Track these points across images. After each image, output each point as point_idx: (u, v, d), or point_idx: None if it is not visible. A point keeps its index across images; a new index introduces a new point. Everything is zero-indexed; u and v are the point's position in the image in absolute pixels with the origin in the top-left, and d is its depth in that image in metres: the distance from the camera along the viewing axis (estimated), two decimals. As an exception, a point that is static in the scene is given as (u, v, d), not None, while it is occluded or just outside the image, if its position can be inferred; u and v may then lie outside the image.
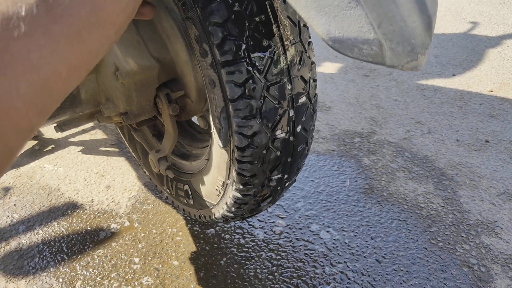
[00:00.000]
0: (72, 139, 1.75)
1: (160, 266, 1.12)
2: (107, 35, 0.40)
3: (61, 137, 1.76)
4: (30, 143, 1.71)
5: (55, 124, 1.00)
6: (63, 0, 0.33)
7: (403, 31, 0.46)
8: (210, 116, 0.72)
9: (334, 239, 1.21)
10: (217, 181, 0.80)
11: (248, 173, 0.68)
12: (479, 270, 1.13)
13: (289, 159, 0.70)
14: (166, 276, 1.09)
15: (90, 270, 1.12)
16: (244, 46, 0.58)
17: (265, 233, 1.23)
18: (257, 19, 0.58)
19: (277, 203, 1.34)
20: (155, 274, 1.09)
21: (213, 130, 0.72)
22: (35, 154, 1.65)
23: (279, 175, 0.73)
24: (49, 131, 1.80)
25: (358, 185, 1.45)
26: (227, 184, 0.75)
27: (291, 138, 0.68)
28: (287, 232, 1.23)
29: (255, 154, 0.66)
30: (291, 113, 0.65)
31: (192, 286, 1.06)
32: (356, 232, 1.24)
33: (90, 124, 1.87)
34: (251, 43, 0.58)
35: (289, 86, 0.63)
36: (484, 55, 2.58)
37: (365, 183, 1.46)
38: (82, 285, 1.07)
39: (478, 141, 1.73)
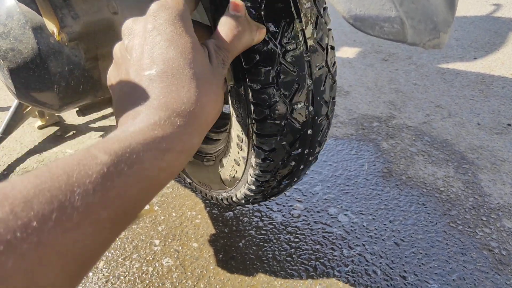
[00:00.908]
0: (92, 125, 1.77)
1: (180, 248, 1.14)
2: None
3: (82, 123, 1.79)
4: (52, 129, 1.74)
5: (77, 109, 1.01)
6: (118, 182, 0.33)
7: (426, 8, 0.45)
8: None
9: (352, 222, 1.21)
10: (237, 159, 0.80)
11: (267, 147, 0.67)
12: (500, 253, 1.12)
13: (309, 132, 0.69)
14: (186, 257, 1.11)
15: (112, 251, 1.14)
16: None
17: (283, 216, 1.23)
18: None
19: (295, 187, 1.35)
20: (175, 256, 1.11)
21: (230, 104, 0.72)
22: (57, 139, 1.68)
23: (300, 150, 0.72)
24: (70, 117, 1.83)
25: (376, 169, 1.45)
26: (246, 160, 0.75)
27: (310, 108, 0.66)
28: (305, 215, 1.23)
29: (273, 126, 0.65)
30: (309, 82, 0.64)
31: (212, 267, 1.08)
32: (375, 216, 1.24)
33: (110, 110, 1.89)
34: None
35: (305, 53, 0.62)
36: (507, 37, 2.51)
37: (384, 167, 1.45)
38: (104, 266, 1.10)
39: (500, 125, 1.69)
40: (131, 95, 0.42)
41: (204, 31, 0.55)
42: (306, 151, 0.73)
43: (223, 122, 0.93)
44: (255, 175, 0.74)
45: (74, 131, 1.73)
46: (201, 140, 0.43)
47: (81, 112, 1.00)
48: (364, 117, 1.78)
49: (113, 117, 1.83)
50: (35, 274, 0.26)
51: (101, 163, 0.32)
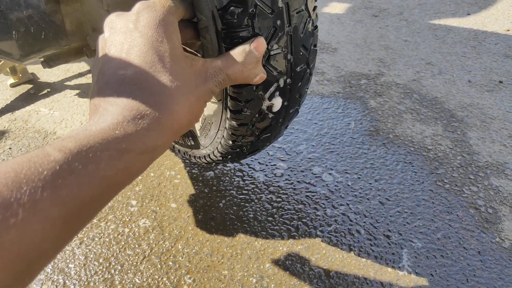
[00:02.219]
0: (68, 83, 1.69)
1: (158, 208, 1.10)
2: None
3: (56, 80, 1.71)
4: (25, 87, 1.66)
5: (42, 59, 0.94)
6: (70, 181, 0.32)
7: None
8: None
9: (337, 182, 1.17)
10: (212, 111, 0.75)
11: (242, 98, 0.62)
12: (486, 211, 1.09)
13: (288, 80, 0.64)
14: (164, 218, 1.07)
15: (87, 212, 1.10)
16: None
17: (265, 175, 1.19)
18: None
19: (278, 146, 1.30)
20: (153, 216, 1.07)
21: (204, 46, 0.65)
22: (30, 98, 1.60)
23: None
24: (44, 75, 1.75)
25: (363, 127, 1.40)
26: (222, 113, 0.70)
27: (288, 56, 0.60)
28: (288, 175, 1.19)
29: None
30: (287, 27, 0.58)
31: (190, 228, 1.04)
32: (360, 175, 1.20)
33: (87, 68, 1.81)
34: None
35: None
36: (502, -7, 2.43)
37: (371, 125, 1.41)
38: (78, 227, 1.05)
39: (491, 82, 1.64)
40: (103, 91, 0.42)
41: (192, 31, 0.54)
42: (285, 102, 0.67)
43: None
44: (231, 128, 0.69)
45: (49, 89, 1.65)
46: (167, 145, 0.42)
47: (46, 63, 0.93)
48: (352, 74, 1.72)
49: (89, 75, 1.74)
50: None
51: (54, 161, 0.32)
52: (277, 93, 0.64)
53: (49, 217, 0.30)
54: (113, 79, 0.41)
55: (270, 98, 0.64)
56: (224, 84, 0.48)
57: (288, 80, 0.63)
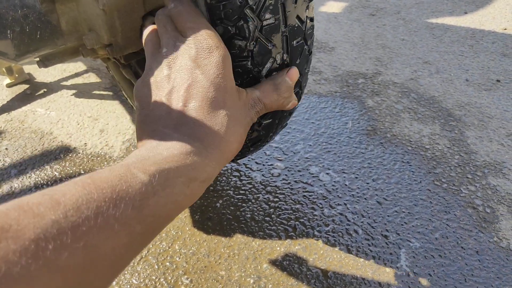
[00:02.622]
0: (64, 83, 1.68)
1: (155, 208, 1.09)
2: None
3: (53, 80, 1.70)
4: (22, 87, 1.65)
5: (38, 59, 0.93)
6: (152, 201, 0.36)
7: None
8: None
9: (334, 181, 1.17)
10: None
11: (238, 76, 0.61)
12: (484, 211, 1.09)
13: (284, 56, 0.62)
14: (161, 218, 1.06)
15: (83, 213, 1.09)
16: None
17: (262, 175, 1.18)
18: None
19: (275, 145, 1.29)
20: (149, 217, 1.06)
21: None
22: (26, 98, 1.59)
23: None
24: (41, 75, 1.74)
25: (360, 126, 1.39)
26: None
27: (283, 28, 0.59)
28: (285, 175, 1.19)
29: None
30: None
31: (187, 229, 1.03)
32: (357, 174, 1.19)
33: (83, 68, 1.80)
34: None
35: None
36: (499, -8, 2.43)
37: (368, 125, 1.40)
38: (75, 228, 1.05)
39: (489, 81, 1.64)
40: (162, 118, 0.46)
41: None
42: None
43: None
44: None
45: (45, 89, 1.64)
46: (219, 172, 0.47)
47: (42, 62, 0.92)
48: (349, 73, 1.71)
49: (86, 75, 1.74)
50: (82, 271, 0.30)
51: (141, 182, 0.36)
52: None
53: (134, 232, 0.34)
54: (177, 111, 0.46)
55: (267, 76, 0.62)
56: (261, 112, 0.53)
57: (285, 56, 0.61)
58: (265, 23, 0.55)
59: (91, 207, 0.31)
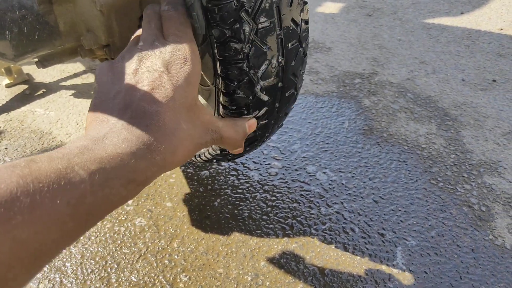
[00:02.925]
0: (63, 83, 1.69)
1: (153, 207, 1.10)
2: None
3: (52, 81, 1.70)
4: (21, 88, 1.66)
5: (36, 60, 0.94)
6: (89, 200, 0.36)
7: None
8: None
9: (331, 180, 1.18)
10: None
11: (233, 77, 0.61)
12: (480, 209, 1.10)
13: (280, 58, 0.63)
14: (159, 217, 1.07)
15: (82, 212, 1.10)
16: None
17: (260, 174, 1.19)
18: None
19: (273, 145, 1.30)
20: (148, 215, 1.07)
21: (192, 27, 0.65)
22: (26, 98, 1.60)
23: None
24: (40, 75, 1.75)
25: (357, 126, 1.41)
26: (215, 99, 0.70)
27: (278, 32, 0.59)
28: (282, 174, 1.20)
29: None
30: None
31: (186, 227, 1.04)
32: (354, 173, 1.20)
33: (82, 68, 1.81)
34: None
35: None
36: (495, -8, 2.45)
37: (365, 124, 1.41)
38: (74, 227, 1.06)
39: (485, 81, 1.65)
40: (122, 113, 0.45)
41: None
42: (280, 83, 0.66)
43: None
44: (225, 115, 0.68)
45: (44, 90, 1.65)
46: (157, 177, 0.46)
47: (41, 63, 0.93)
48: (346, 73, 1.72)
49: (85, 75, 1.74)
50: (6, 266, 0.29)
51: (80, 180, 0.35)
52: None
53: (65, 228, 0.34)
54: (134, 107, 0.45)
55: (263, 78, 0.62)
56: (215, 142, 0.54)
57: (280, 58, 0.62)
58: (260, 26, 0.56)
59: (25, 200, 0.31)
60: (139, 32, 0.57)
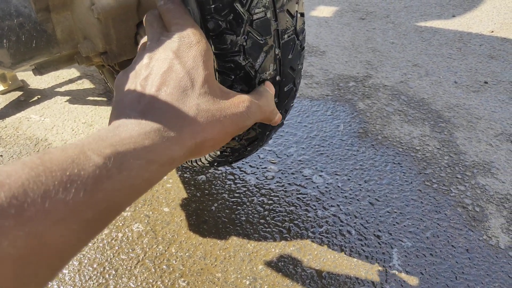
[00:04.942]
0: (58, 89, 1.69)
1: (151, 212, 1.10)
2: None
3: (47, 87, 1.71)
4: (15, 94, 1.66)
5: (33, 67, 0.95)
6: (106, 185, 0.34)
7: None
8: None
9: (327, 183, 1.19)
10: None
11: (231, 71, 0.61)
12: (474, 210, 1.11)
13: (276, 50, 0.64)
14: (157, 222, 1.07)
15: (80, 218, 1.10)
16: None
17: (257, 178, 1.20)
18: None
19: (269, 148, 1.31)
20: (146, 221, 1.08)
21: None
22: (20, 105, 1.60)
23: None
24: (34, 81, 1.75)
25: (352, 129, 1.42)
26: None
27: (273, 22, 0.60)
28: (279, 177, 1.21)
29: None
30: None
31: (183, 232, 1.05)
32: (350, 176, 1.22)
33: (77, 74, 1.81)
34: None
35: None
36: (486, -5, 2.48)
37: (360, 127, 1.43)
38: (71, 233, 1.06)
39: (477, 83, 1.68)
40: (132, 103, 0.45)
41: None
42: (278, 77, 0.66)
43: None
44: None
45: (39, 96, 1.65)
46: (184, 159, 0.45)
47: (38, 70, 0.93)
48: (340, 77, 1.74)
49: (80, 81, 1.75)
50: (23, 262, 0.28)
51: (94, 165, 0.34)
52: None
53: (85, 219, 0.32)
54: (147, 96, 0.45)
55: (261, 71, 0.62)
56: (255, 116, 0.52)
57: (277, 50, 0.62)
58: (255, 17, 0.56)
59: (38, 191, 0.29)
60: (145, 38, 0.58)
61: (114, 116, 0.45)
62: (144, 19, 0.58)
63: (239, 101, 0.50)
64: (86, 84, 1.72)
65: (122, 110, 0.45)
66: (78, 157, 0.34)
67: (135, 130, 0.41)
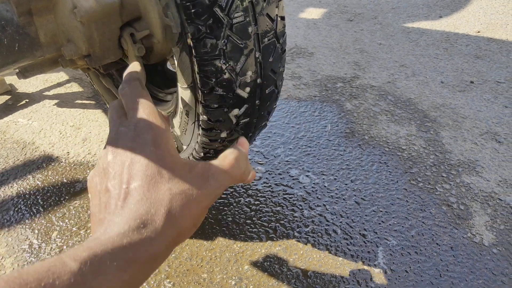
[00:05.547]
0: (47, 93, 1.69)
1: (138, 215, 1.10)
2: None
3: (35, 91, 1.70)
4: (3, 98, 1.65)
5: (17, 70, 0.95)
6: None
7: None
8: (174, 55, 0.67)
9: (314, 183, 1.20)
10: (185, 126, 0.76)
11: (211, 74, 0.62)
12: (458, 208, 1.13)
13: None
14: (144, 224, 1.07)
15: (66, 221, 1.10)
16: None
17: (244, 179, 1.20)
18: None
19: (256, 149, 1.32)
20: (132, 223, 1.08)
21: (177, 70, 0.67)
22: (8, 109, 1.59)
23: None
24: (23, 85, 1.74)
25: (339, 129, 1.43)
26: (193, 128, 0.71)
27: (252, 27, 0.61)
28: (266, 178, 1.21)
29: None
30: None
31: (170, 233, 1.05)
32: (336, 176, 1.22)
33: (66, 77, 1.81)
34: None
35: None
36: (472, -4, 2.50)
37: (347, 127, 1.44)
38: (58, 236, 1.06)
39: (463, 82, 1.69)
40: (108, 205, 0.45)
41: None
42: (259, 80, 0.67)
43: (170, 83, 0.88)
44: (204, 117, 0.69)
45: (27, 100, 1.64)
46: (167, 252, 0.44)
47: (22, 74, 0.93)
48: (328, 78, 1.75)
49: (69, 84, 1.74)
50: None
51: (69, 272, 0.34)
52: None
53: None
54: (118, 193, 0.45)
55: (241, 74, 0.63)
56: (225, 183, 0.50)
57: (257, 54, 0.63)
58: (235, 21, 0.57)
59: None
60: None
61: (95, 223, 0.45)
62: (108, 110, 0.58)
63: (208, 174, 0.49)
64: (74, 87, 1.72)
65: (102, 215, 0.45)
66: (55, 264, 0.34)
67: (113, 231, 0.40)
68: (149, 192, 0.44)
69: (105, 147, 0.51)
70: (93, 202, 0.48)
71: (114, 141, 0.49)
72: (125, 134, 0.49)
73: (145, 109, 0.50)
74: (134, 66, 0.56)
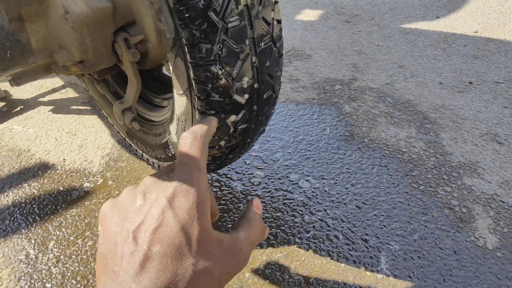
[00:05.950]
0: (42, 99, 1.67)
1: (135, 222, 1.08)
2: None
3: (30, 97, 1.68)
4: (-2, 105, 1.63)
5: (10, 78, 0.93)
6: None
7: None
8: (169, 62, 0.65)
9: (314, 188, 1.18)
10: (182, 133, 0.74)
11: (207, 80, 0.60)
12: (460, 211, 1.11)
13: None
14: (142, 232, 1.06)
15: (63, 230, 1.08)
16: None
17: (243, 184, 1.19)
18: None
19: (255, 154, 1.30)
20: (130, 231, 1.06)
21: (172, 76, 0.66)
22: (3, 115, 1.57)
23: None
24: (17, 91, 1.72)
25: (338, 132, 1.41)
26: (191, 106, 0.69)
27: (249, 30, 0.59)
28: (265, 183, 1.19)
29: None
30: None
31: (169, 241, 1.03)
32: (336, 180, 1.21)
33: (61, 83, 1.79)
34: None
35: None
36: (469, -5, 2.50)
37: (346, 130, 1.42)
38: (55, 245, 1.04)
39: (462, 83, 1.68)
40: (124, 259, 0.42)
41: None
42: (256, 84, 0.65)
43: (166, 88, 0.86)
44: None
45: (22, 106, 1.62)
46: None
47: (14, 81, 0.91)
48: (326, 80, 1.74)
49: (64, 90, 1.73)
50: None
51: None
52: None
53: None
54: (138, 251, 0.42)
55: (238, 79, 0.62)
56: (249, 253, 0.50)
57: (254, 58, 0.62)
58: (230, 25, 0.56)
59: None
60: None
61: (106, 273, 0.43)
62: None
63: (235, 249, 0.48)
64: (70, 93, 1.70)
65: (116, 267, 0.43)
66: None
67: None
68: (172, 263, 0.42)
69: (138, 186, 0.49)
70: (105, 243, 0.45)
71: (151, 188, 0.47)
72: (164, 189, 0.46)
73: (195, 172, 0.47)
74: (212, 123, 0.53)
